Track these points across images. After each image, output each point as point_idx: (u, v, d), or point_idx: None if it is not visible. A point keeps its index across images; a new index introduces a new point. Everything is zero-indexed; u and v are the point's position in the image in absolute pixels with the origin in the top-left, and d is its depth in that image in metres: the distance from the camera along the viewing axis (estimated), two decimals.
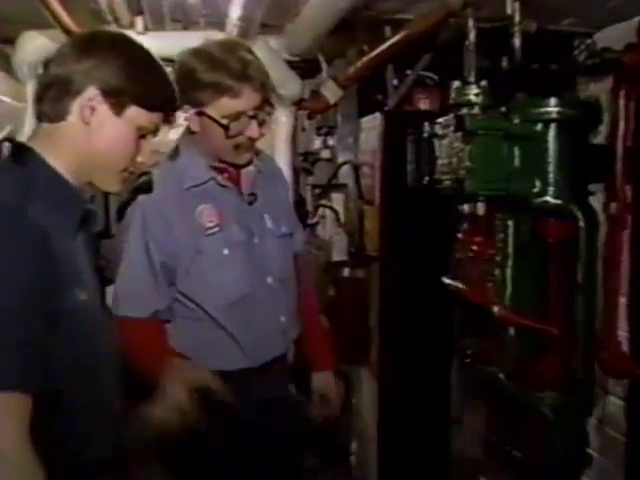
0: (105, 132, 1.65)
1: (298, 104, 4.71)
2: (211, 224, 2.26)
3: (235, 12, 3.42)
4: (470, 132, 2.03)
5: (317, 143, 5.71)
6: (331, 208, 5.24)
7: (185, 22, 4.46)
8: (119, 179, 1.71)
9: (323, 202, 5.36)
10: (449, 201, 2.33)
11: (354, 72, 4.69)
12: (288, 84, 4.43)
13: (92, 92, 1.62)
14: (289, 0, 3.94)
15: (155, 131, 1.74)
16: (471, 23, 2.17)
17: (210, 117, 2.21)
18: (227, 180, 2.34)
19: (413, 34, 3.77)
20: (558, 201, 2.08)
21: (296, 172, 5.46)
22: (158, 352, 2.23)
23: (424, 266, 4.47)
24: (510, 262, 2.20)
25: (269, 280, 2.36)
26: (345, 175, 5.20)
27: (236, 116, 2.19)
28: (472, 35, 2.17)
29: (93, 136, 1.64)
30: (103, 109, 1.65)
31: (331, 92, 4.90)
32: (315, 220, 5.59)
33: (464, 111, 2.11)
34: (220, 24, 4.25)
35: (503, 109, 2.13)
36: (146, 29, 4.10)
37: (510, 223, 2.20)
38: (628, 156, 2.01)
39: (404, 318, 4.51)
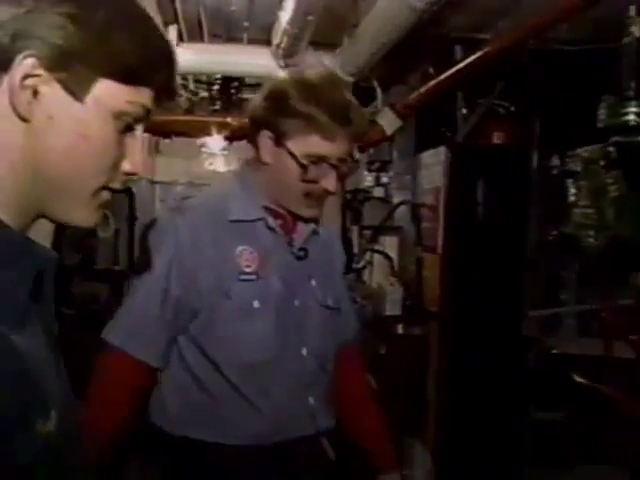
0: (61, 130, 0.96)
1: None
2: (248, 269, 1.96)
3: (285, 18, 2.81)
4: None
5: (368, 180, 5.14)
6: (384, 254, 4.66)
7: (226, 36, 3.88)
8: (93, 205, 1.03)
9: (375, 247, 4.78)
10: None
11: (416, 99, 4.11)
12: None
13: (28, 64, 0.92)
14: (346, 11, 3.35)
15: (145, 119, 1.04)
16: (634, 11, 1.53)
17: (290, 152, 1.92)
18: (280, 226, 2.04)
19: (497, 50, 3.12)
20: None
21: (343, 211, 4.95)
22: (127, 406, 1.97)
23: (492, 326, 4.03)
24: None
25: (304, 352, 2.01)
26: (401, 217, 4.67)
27: (319, 160, 1.91)
28: (637, 28, 1.52)
29: (41, 139, 0.95)
30: (52, 91, 0.94)
31: (388, 122, 4.36)
32: (361, 265, 5.06)
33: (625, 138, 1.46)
34: (264, 41, 3.69)
35: None
36: (181, 40, 3.51)
37: None
38: None
39: (467, 385, 4.09)
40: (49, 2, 0.92)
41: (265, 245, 2.00)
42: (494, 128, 4.11)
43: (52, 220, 1.03)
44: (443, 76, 3.72)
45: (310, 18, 2.76)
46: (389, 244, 4.87)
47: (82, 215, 1.03)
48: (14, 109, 0.94)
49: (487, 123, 4.15)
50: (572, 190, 1.61)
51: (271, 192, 2.02)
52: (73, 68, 0.94)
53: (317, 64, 3.61)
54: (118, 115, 0.99)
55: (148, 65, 1.00)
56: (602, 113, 1.55)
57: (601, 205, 1.47)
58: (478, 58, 3.41)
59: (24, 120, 0.94)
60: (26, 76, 0.92)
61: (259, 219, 2.01)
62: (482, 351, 4.08)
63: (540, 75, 4.10)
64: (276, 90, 1.96)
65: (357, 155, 2.01)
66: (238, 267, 1.96)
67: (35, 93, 0.94)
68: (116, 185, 1.04)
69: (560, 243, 1.67)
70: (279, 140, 1.94)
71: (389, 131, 4.42)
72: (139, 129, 1.03)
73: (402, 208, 4.67)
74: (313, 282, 2.08)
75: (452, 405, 4.14)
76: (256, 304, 1.96)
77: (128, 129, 1.02)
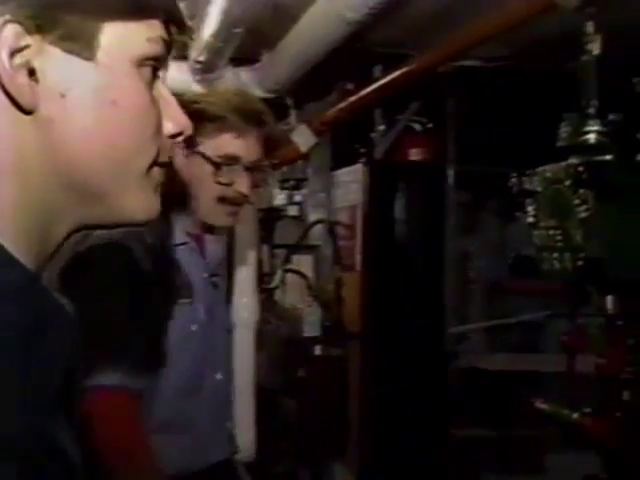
0: (81, 106, 0.72)
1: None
2: (183, 292, 2.00)
3: (208, 31, 2.69)
4: (613, 189, 1.32)
5: (281, 198, 5.03)
6: (300, 273, 4.56)
7: None
8: (151, 188, 0.80)
9: (288, 266, 4.68)
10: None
11: (334, 115, 4.04)
12: None
13: (8, 36, 0.68)
14: (266, 25, 3.24)
15: (167, 59, 0.79)
16: (592, 28, 1.49)
17: (202, 154, 1.94)
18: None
19: (421, 67, 3.08)
20: None
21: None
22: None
23: (414, 343, 4.00)
24: None
25: (218, 376, 2.07)
26: (316, 235, 4.59)
27: (231, 160, 1.95)
28: (596, 45, 1.48)
29: (59, 129, 0.72)
30: (52, 60, 0.71)
31: (303, 139, 4.28)
32: (274, 285, 4.95)
33: (594, 157, 1.41)
34: (180, 56, 3.54)
35: None
36: None
37: None
38: None
39: (390, 406, 4.01)
40: None
41: (189, 270, 2.01)
42: (411, 145, 4.08)
43: (102, 227, 0.79)
44: (363, 92, 3.67)
45: (237, 31, 2.65)
46: (304, 263, 4.78)
47: (143, 204, 0.79)
48: (13, 101, 0.70)
49: (404, 139, 4.11)
50: (531, 211, 1.56)
51: (186, 205, 2.01)
52: (67, 22, 0.71)
53: (235, 79, 3.51)
54: (140, 61, 0.76)
55: None
56: (564, 132, 1.50)
57: (568, 226, 1.41)
58: (401, 75, 3.38)
59: (28, 112, 0.71)
60: (13, 52, 0.69)
61: (183, 244, 2.02)
62: (404, 369, 4.06)
63: (457, 91, 4.11)
64: (188, 101, 1.95)
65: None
66: (177, 289, 1.96)
67: (31, 72, 0.70)
68: (166, 157, 0.81)
69: (517, 266, 1.61)
70: (191, 146, 1.95)
71: (304, 148, 4.34)
72: (164, 73, 0.80)
73: (317, 227, 4.60)
74: (221, 309, 2.16)
75: (375, 425, 4.09)
76: (194, 327, 1.98)
77: (154, 77, 0.79)
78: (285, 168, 4.96)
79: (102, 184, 0.76)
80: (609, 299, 1.43)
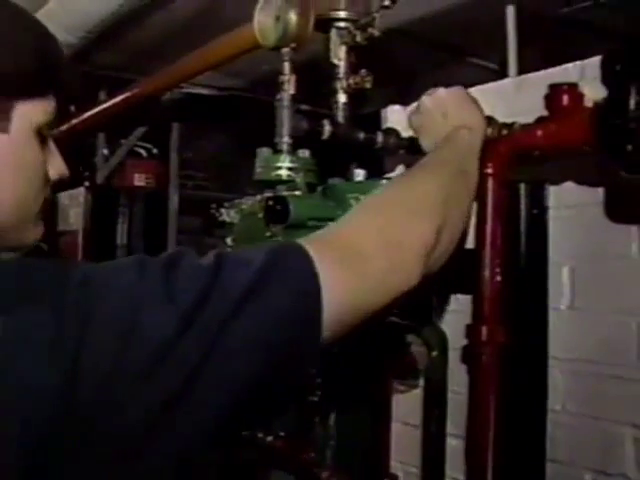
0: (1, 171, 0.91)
1: None
2: None
3: None
4: (299, 223, 1.40)
5: None
6: None
7: None
8: (39, 221, 1.00)
9: None
10: None
11: (55, 137, 3.89)
12: None
13: None
14: None
15: (54, 123, 0.97)
16: (288, 68, 1.58)
17: None
18: None
19: (144, 92, 3.08)
20: (403, 321, 1.51)
21: None
22: None
23: None
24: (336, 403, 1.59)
25: None
26: None
27: None
28: (289, 85, 1.57)
29: None
30: None
31: None
32: None
33: (284, 192, 1.49)
34: None
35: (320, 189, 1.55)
36: None
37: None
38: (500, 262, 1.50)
39: None
40: None
41: None
42: (135, 170, 4.06)
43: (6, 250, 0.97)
44: (85, 115, 3.59)
45: None
46: None
47: (34, 234, 0.98)
48: None
49: (129, 165, 4.09)
50: (229, 242, 1.61)
51: None
52: None
53: None
54: (38, 129, 0.92)
55: (52, 69, 0.93)
56: (258, 166, 1.57)
57: None
58: (123, 99, 3.34)
59: None
60: None
61: None
62: None
63: (184, 118, 4.15)
64: None
65: None
66: None
67: None
68: (50, 195, 1.00)
69: None
70: None
71: None
72: (50, 133, 0.97)
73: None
74: None
75: None
76: None
77: (43, 139, 0.95)
78: None
79: (9, 223, 0.92)
80: None
